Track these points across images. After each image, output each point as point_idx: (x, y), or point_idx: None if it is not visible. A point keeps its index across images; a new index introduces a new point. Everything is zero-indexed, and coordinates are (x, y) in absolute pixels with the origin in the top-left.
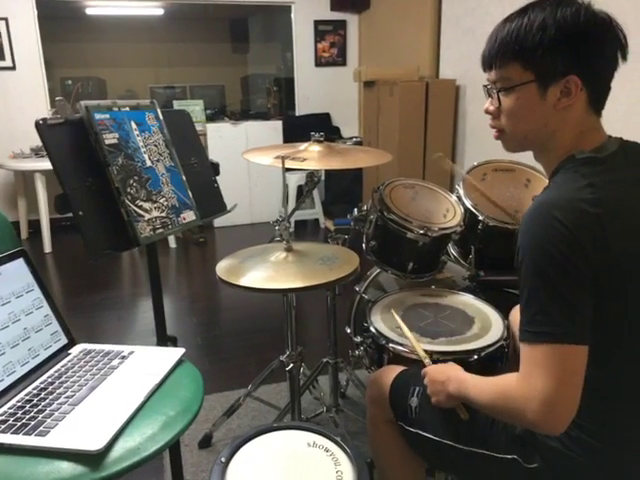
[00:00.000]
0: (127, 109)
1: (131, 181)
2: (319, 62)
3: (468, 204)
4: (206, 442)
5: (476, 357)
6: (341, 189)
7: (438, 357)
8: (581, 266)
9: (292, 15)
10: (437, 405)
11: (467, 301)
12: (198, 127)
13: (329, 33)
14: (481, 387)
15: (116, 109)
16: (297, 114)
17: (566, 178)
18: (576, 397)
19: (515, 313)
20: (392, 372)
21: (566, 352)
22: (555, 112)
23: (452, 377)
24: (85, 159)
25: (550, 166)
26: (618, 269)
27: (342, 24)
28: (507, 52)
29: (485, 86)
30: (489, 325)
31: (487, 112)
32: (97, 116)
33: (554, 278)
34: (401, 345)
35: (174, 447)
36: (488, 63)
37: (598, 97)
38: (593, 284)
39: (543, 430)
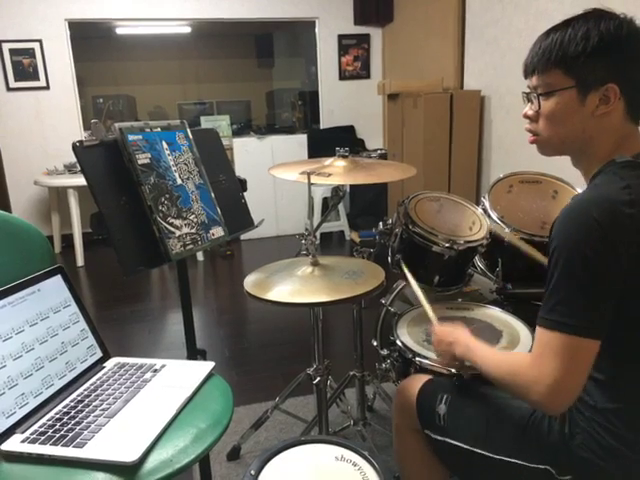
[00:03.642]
0: (158, 130)
1: (162, 199)
2: (343, 76)
3: (494, 216)
4: (235, 454)
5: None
6: (366, 201)
7: (465, 372)
8: (611, 265)
9: (316, 30)
10: (441, 363)
11: (494, 314)
12: (225, 142)
13: (353, 47)
14: (490, 358)
15: (148, 130)
16: (322, 127)
17: (605, 179)
18: (580, 385)
19: None
20: (419, 380)
21: (580, 344)
22: (593, 119)
23: (460, 340)
24: (119, 179)
25: (589, 171)
26: None
27: (366, 38)
28: (550, 58)
29: (525, 92)
30: (517, 339)
31: (526, 116)
32: (130, 137)
33: (582, 274)
34: (428, 359)
35: (204, 459)
36: (530, 69)
37: (636, 106)
38: (622, 283)
39: (544, 410)
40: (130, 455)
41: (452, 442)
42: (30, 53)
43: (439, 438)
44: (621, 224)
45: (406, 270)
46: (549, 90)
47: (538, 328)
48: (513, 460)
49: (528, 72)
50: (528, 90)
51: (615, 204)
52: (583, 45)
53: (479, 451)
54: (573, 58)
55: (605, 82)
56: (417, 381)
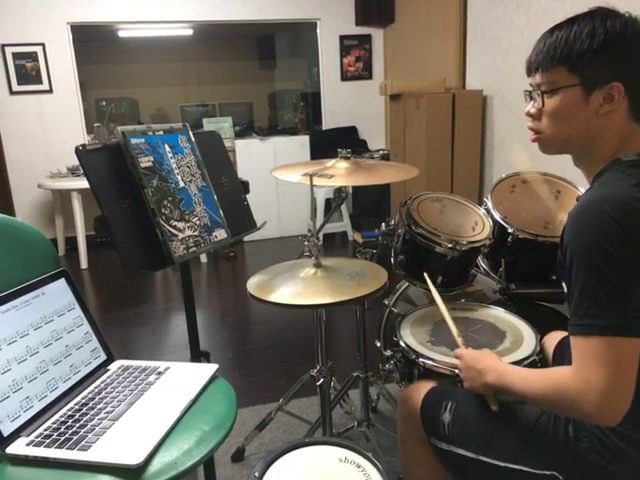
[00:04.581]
0: (161, 133)
1: (165, 202)
2: (345, 76)
3: (497, 217)
4: (239, 456)
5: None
6: (369, 202)
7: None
8: (633, 259)
9: (318, 31)
10: (468, 390)
11: (498, 315)
12: (227, 143)
13: (355, 48)
14: (530, 379)
15: (150, 133)
16: (324, 128)
17: (613, 178)
18: (631, 387)
19: (550, 339)
20: (423, 389)
21: (621, 344)
22: (597, 117)
23: (492, 367)
24: (122, 182)
25: (592, 170)
26: None
27: (367, 38)
28: (555, 56)
29: (527, 90)
30: (521, 339)
31: (528, 114)
32: (133, 141)
33: (608, 271)
34: (431, 360)
35: (208, 461)
36: (534, 67)
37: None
38: None
39: (599, 422)
40: (134, 458)
41: (458, 451)
42: (33, 57)
43: (445, 447)
44: (637, 220)
45: (430, 285)
46: (553, 88)
47: (573, 338)
48: (519, 467)
49: (532, 69)
50: (531, 88)
51: (628, 201)
52: (589, 43)
53: (485, 459)
54: (578, 56)
55: (610, 80)
56: (421, 389)
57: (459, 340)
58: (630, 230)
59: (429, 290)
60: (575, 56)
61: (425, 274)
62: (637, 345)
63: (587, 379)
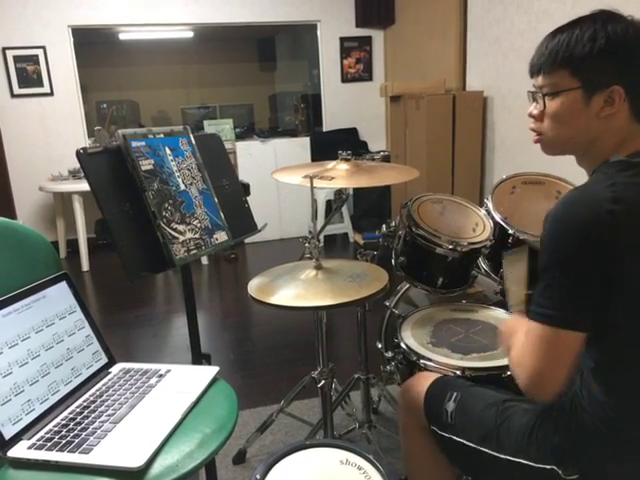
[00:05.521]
0: (161, 136)
1: (166, 205)
2: (345, 78)
3: (497, 218)
4: (240, 458)
5: (509, 373)
6: (369, 203)
7: (470, 373)
8: (588, 261)
9: (318, 33)
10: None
11: (499, 316)
12: (228, 145)
13: (355, 49)
14: (514, 343)
15: (151, 136)
16: (324, 130)
17: (595, 178)
18: (563, 374)
19: None
20: (428, 379)
21: (560, 336)
22: (597, 120)
23: (517, 328)
24: (123, 185)
25: (591, 171)
26: (628, 265)
27: (367, 40)
28: (557, 59)
29: (530, 91)
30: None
31: (530, 115)
32: (134, 144)
33: (556, 269)
34: (432, 361)
35: (210, 464)
36: (536, 69)
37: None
38: (605, 277)
39: (529, 397)
40: (136, 460)
41: (458, 439)
42: (34, 60)
43: (445, 435)
44: (600, 221)
45: None
46: (555, 90)
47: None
48: (519, 460)
49: (534, 72)
50: (533, 89)
51: (596, 201)
52: (590, 46)
53: (485, 450)
54: (579, 59)
55: (610, 84)
56: (425, 379)
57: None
58: (591, 231)
59: (430, 292)
60: (576, 60)
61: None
62: (575, 339)
63: (521, 359)
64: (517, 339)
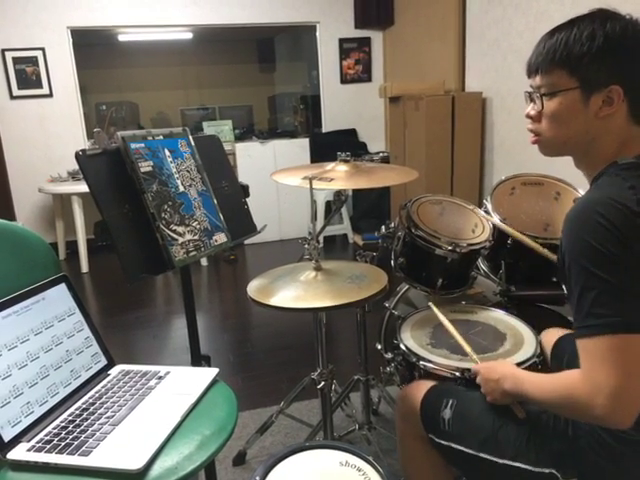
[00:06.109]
0: (161, 137)
1: (165, 206)
2: (345, 79)
3: (497, 219)
4: (240, 459)
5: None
6: (369, 204)
7: (469, 374)
8: (629, 258)
9: (317, 34)
10: (493, 403)
11: (498, 317)
12: (227, 147)
13: (354, 50)
14: (541, 385)
15: (150, 138)
16: (324, 131)
17: (609, 181)
18: None
19: (548, 335)
20: (423, 386)
21: (627, 342)
22: (596, 120)
23: (507, 374)
24: (122, 187)
25: (591, 173)
26: None
27: (367, 41)
28: (554, 58)
29: (528, 92)
30: (521, 341)
31: (528, 116)
32: (133, 145)
33: (603, 271)
34: (431, 362)
35: (210, 465)
36: (534, 69)
37: (639, 108)
38: None
39: (612, 424)
40: (135, 463)
41: (457, 447)
42: (33, 61)
43: (444, 443)
44: (630, 221)
45: (436, 311)
46: (553, 90)
47: (579, 341)
48: (518, 464)
49: (531, 71)
50: (531, 90)
51: (622, 203)
52: (588, 46)
53: (484, 456)
54: (578, 58)
55: (609, 84)
56: (421, 387)
57: (474, 357)
58: (622, 231)
59: (429, 293)
60: (574, 59)
61: (431, 305)
62: None
63: (596, 382)
64: (531, 381)
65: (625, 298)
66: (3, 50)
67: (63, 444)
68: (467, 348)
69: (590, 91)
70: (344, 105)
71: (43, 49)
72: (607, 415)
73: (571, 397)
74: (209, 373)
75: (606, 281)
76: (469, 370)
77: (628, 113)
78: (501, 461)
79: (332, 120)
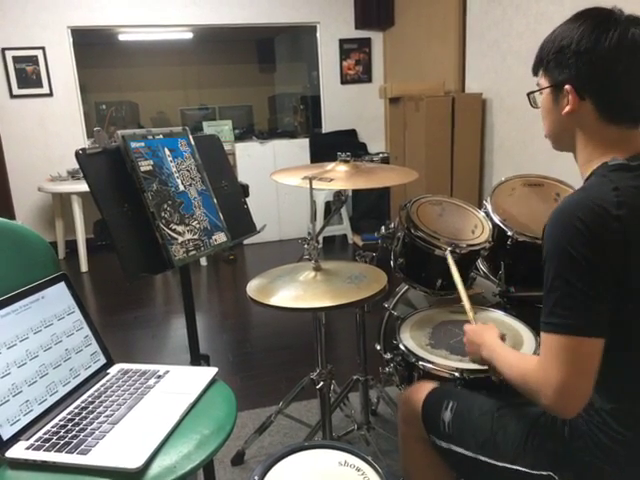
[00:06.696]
0: (161, 137)
1: (165, 206)
2: (345, 80)
3: (496, 220)
4: (239, 459)
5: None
6: (368, 205)
7: (469, 375)
8: (599, 264)
9: (317, 35)
10: (471, 360)
11: (497, 318)
12: (227, 146)
13: (354, 51)
14: (506, 361)
15: (150, 137)
16: (324, 131)
17: (595, 181)
18: (589, 386)
19: None
20: (424, 388)
21: (581, 344)
22: (565, 118)
23: (487, 343)
24: (122, 186)
25: (583, 172)
26: (635, 267)
27: (367, 42)
28: (537, 59)
29: (527, 93)
30: (520, 342)
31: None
32: (133, 145)
33: (572, 275)
34: (431, 363)
35: (208, 465)
36: (532, 69)
37: (604, 107)
38: (614, 283)
39: (555, 414)
40: (134, 461)
41: (457, 449)
42: (33, 60)
43: (444, 445)
44: (607, 225)
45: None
46: (538, 89)
47: (542, 333)
48: (516, 467)
49: (532, 72)
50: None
51: (602, 206)
52: (555, 46)
53: (483, 458)
54: (547, 59)
55: (564, 83)
56: (422, 389)
57: (471, 315)
58: (597, 236)
59: (429, 293)
60: (545, 60)
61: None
62: (598, 345)
63: (545, 374)
64: (501, 355)
65: (587, 302)
66: (3, 49)
67: (62, 442)
68: (467, 305)
69: (558, 90)
70: (344, 105)
71: (43, 48)
72: (551, 406)
73: (525, 381)
74: (208, 372)
75: (572, 285)
76: (468, 371)
77: (596, 112)
78: (500, 464)
79: (332, 120)
